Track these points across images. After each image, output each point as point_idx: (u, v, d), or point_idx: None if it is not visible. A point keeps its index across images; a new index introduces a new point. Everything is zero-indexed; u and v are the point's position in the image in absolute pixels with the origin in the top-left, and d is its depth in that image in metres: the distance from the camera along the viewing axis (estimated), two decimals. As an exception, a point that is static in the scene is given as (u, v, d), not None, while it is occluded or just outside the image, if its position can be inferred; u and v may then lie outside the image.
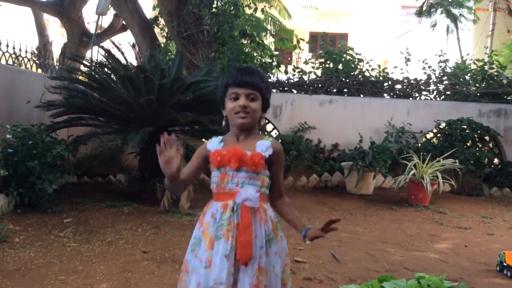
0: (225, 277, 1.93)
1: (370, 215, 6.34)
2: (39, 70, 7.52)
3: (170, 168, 1.92)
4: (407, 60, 9.33)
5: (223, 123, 2.15)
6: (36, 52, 8.59)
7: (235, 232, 1.96)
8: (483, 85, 9.22)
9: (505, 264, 4.01)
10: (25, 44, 7.16)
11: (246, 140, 2.09)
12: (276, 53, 11.02)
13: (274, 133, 8.84)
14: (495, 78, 9.23)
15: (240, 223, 1.97)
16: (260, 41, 9.85)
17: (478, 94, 9.07)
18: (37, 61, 7.47)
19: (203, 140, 5.99)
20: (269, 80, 8.67)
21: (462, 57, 11.86)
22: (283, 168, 2.17)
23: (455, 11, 15.33)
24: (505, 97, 9.14)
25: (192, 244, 2.07)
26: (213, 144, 2.11)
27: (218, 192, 2.07)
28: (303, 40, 10.84)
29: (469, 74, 9.41)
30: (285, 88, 9.09)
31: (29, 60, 7.05)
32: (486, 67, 9.57)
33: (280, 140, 8.16)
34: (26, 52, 6.94)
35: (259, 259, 1.98)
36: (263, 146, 2.06)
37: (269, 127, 9.23)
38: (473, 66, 9.74)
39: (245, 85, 2.05)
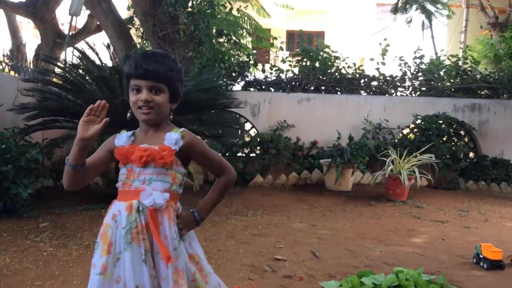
0: (147, 283, 1.77)
1: (349, 211, 6.38)
2: (12, 73, 7.38)
3: (85, 130, 1.78)
4: (384, 52, 9.40)
5: (128, 114, 1.94)
6: (9, 54, 8.43)
7: (145, 234, 1.79)
8: (457, 80, 9.37)
9: (481, 256, 4.07)
10: (-3, 46, 7.05)
11: (155, 134, 1.91)
12: (254, 51, 11.03)
13: (253, 132, 8.83)
14: (469, 73, 9.38)
15: (149, 224, 1.80)
16: (237, 40, 9.84)
17: (453, 90, 9.21)
18: (10, 64, 7.33)
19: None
20: (222, 74, 8.30)
21: (436, 54, 12.02)
22: (208, 151, 1.96)
23: (430, 7, 15.56)
24: (479, 92, 9.29)
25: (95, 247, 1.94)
26: (122, 139, 1.93)
27: (123, 191, 1.91)
28: (280, 37, 10.88)
29: (443, 70, 9.55)
30: (263, 87, 9.10)
31: (1, 62, 6.92)
32: (460, 63, 9.72)
33: (259, 139, 8.17)
34: (-2, 54, 6.83)
35: (175, 261, 1.80)
36: (172, 139, 1.86)
37: (247, 126, 9.22)
38: (447, 62, 9.88)
39: (147, 77, 1.82)
